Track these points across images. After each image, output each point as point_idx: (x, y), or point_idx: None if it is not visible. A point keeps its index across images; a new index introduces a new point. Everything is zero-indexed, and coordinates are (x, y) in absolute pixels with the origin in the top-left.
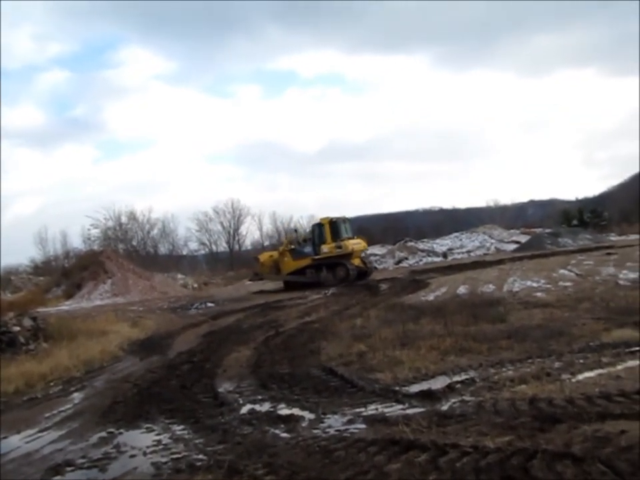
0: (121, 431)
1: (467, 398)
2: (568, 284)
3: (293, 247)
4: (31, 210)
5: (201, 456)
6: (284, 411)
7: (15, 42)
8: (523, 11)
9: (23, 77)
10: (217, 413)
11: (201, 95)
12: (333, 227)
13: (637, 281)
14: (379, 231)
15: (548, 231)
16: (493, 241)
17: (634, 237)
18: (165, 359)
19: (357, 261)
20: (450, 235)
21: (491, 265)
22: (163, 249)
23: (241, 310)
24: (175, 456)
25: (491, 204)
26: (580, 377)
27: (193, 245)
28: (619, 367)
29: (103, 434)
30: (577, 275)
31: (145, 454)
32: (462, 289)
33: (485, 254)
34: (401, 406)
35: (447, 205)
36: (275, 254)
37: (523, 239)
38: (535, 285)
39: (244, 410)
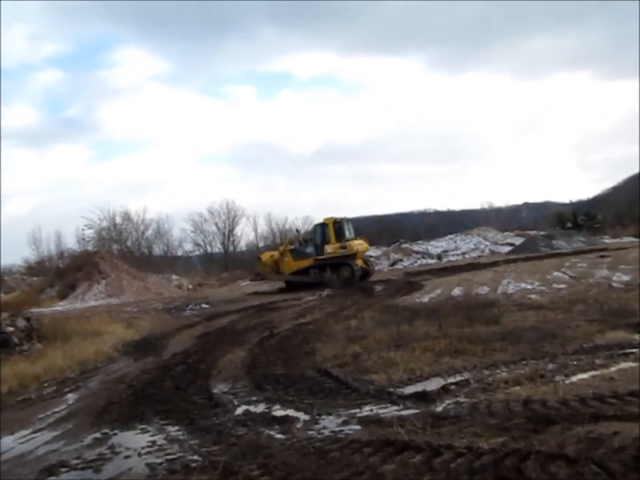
0: (116, 431)
1: (461, 399)
2: (562, 286)
3: (293, 247)
4: (25, 210)
5: (195, 457)
6: (279, 412)
7: (9, 41)
8: (518, 14)
9: (18, 76)
10: (212, 414)
11: (196, 95)
12: (336, 227)
13: (630, 283)
14: (373, 232)
15: (542, 233)
16: (487, 243)
17: (627, 239)
18: (159, 360)
19: (359, 262)
20: (444, 236)
21: (486, 267)
22: (157, 250)
23: (236, 311)
24: (169, 457)
25: (486, 206)
26: (573, 378)
27: (188, 246)
28: (612, 369)
29: (98, 435)
30: (570, 277)
31: (139, 455)
32: (456, 291)
33: (480, 256)
34: (395, 407)
35: (442, 206)
36: (276, 254)
37: (517, 241)
38: (529, 287)
39: (239, 411)
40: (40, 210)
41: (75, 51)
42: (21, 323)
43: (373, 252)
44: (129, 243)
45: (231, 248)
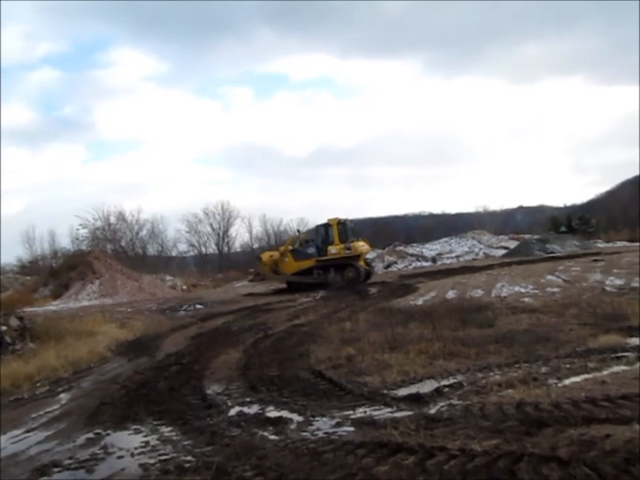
0: (109, 432)
1: (454, 402)
2: (555, 290)
3: (292, 247)
4: (18, 209)
5: (189, 457)
6: (272, 413)
7: (4, 40)
8: (513, 19)
9: (13, 75)
10: (206, 415)
11: (191, 96)
12: (340, 228)
13: (623, 287)
14: (368, 234)
15: (536, 237)
16: (481, 246)
17: (621, 244)
18: (153, 361)
19: (362, 263)
20: (439, 239)
21: (480, 270)
22: (151, 250)
23: (230, 312)
24: (162, 457)
25: (481, 209)
26: (566, 381)
27: (182, 247)
28: (605, 372)
29: (90, 435)
30: (564, 281)
31: (132, 455)
32: (451, 294)
33: (474, 259)
34: (389, 409)
35: (437, 209)
36: (275, 254)
37: (512, 244)
38: (522, 290)
39: (232, 412)
40: (34, 209)
41: (70, 51)
42: (14, 322)
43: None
44: (123, 243)
45: (226, 249)
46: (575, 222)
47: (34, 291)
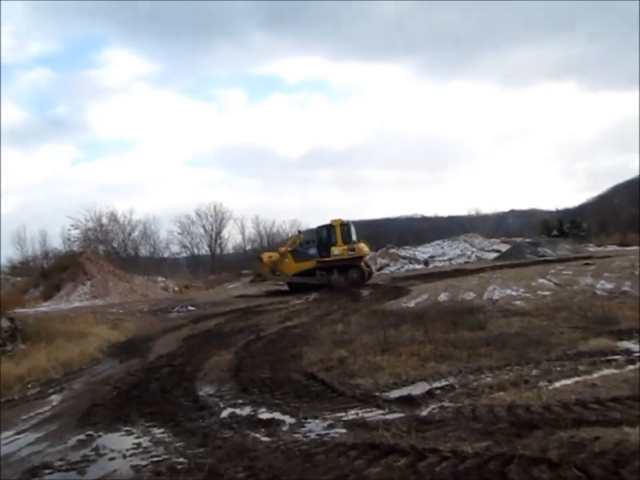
0: (100, 433)
1: (446, 404)
2: (547, 293)
3: (292, 248)
4: (9, 209)
5: (181, 459)
6: (265, 415)
7: None
8: (506, 24)
9: (4, 74)
10: (198, 417)
11: (184, 97)
12: (344, 230)
13: (613, 291)
14: (361, 237)
15: (528, 240)
16: (473, 249)
17: (611, 247)
18: (145, 362)
19: (363, 265)
20: (432, 242)
21: (472, 273)
22: (143, 251)
23: (222, 314)
24: (154, 459)
25: (473, 213)
26: (557, 384)
27: (175, 248)
28: (595, 375)
29: (82, 436)
30: (555, 284)
31: (124, 457)
32: (443, 296)
33: (466, 262)
34: (381, 411)
35: (429, 212)
36: (274, 255)
37: (504, 247)
38: (514, 293)
39: (224, 414)
40: (25, 209)
41: (62, 50)
42: (5, 323)
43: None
44: (115, 244)
45: (218, 250)
46: (567, 226)
47: (25, 291)
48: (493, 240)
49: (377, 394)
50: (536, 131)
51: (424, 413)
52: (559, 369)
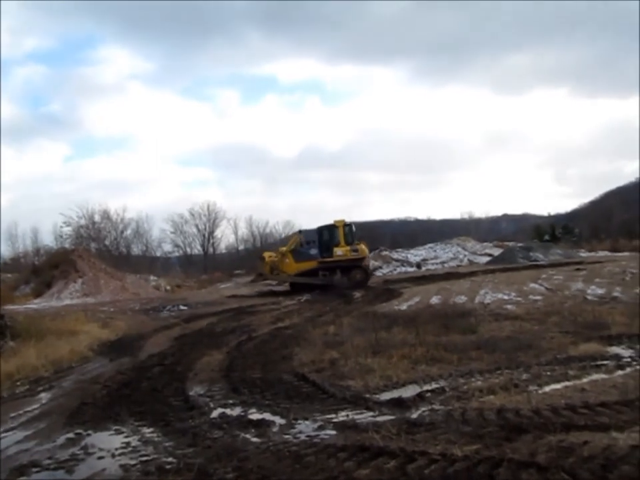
0: (89, 432)
1: (436, 407)
2: (538, 297)
3: (292, 248)
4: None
5: (170, 459)
6: (255, 415)
7: None
8: (501, 30)
9: None
10: (188, 416)
11: (178, 96)
12: (346, 230)
13: (604, 296)
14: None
15: (520, 245)
16: (466, 252)
17: (602, 253)
18: (135, 361)
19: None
20: (424, 245)
21: (464, 276)
22: (136, 250)
23: (214, 314)
24: (143, 458)
25: (466, 216)
26: (546, 388)
27: (167, 247)
28: (585, 380)
29: (71, 435)
30: (546, 289)
31: (113, 456)
32: (434, 300)
33: (458, 265)
34: (371, 413)
35: (423, 215)
36: (274, 255)
37: (496, 252)
38: (505, 297)
39: (214, 414)
40: (16, 205)
41: (57, 47)
42: None
43: None
44: (107, 242)
45: (211, 250)
46: (559, 231)
47: (15, 288)
48: (485, 244)
49: (368, 396)
50: (529, 136)
51: (414, 416)
52: (548, 373)
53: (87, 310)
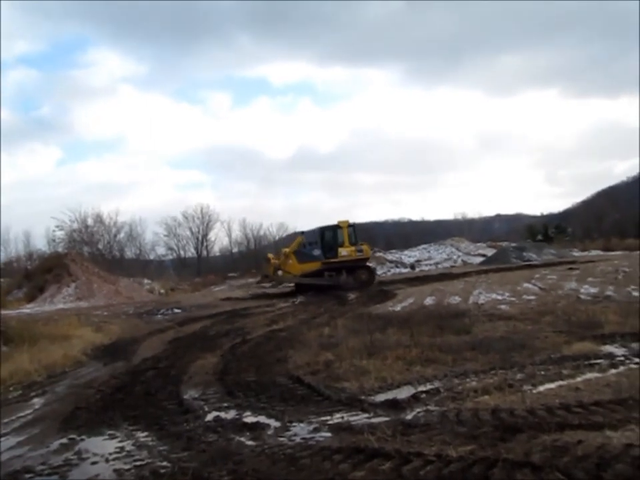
0: (83, 437)
1: (431, 408)
2: (531, 297)
3: (295, 249)
4: None
5: (164, 463)
6: (250, 418)
7: None
8: (492, 32)
9: None
10: (182, 420)
11: (170, 99)
12: (350, 231)
13: (597, 295)
14: None
15: (513, 245)
16: (460, 253)
17: (595, 252)
18: (129, 365)
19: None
20: (418, 246)
21: (458, 277)
22: (129, 253)
23: (208, 317)
24: (138, 463)
25: (459, 217)
26: (541, 388)
27: (161, 250)
28: (578, 379)
29: (64, 440)
30: (540, 288)
31: (107, 461)
32: (429, 300)
33: (452, 266)
34: (366, 415)
35: (416, 216)
36: (276, 256)
37: (489, 252)
38: (499, 297)
39: (209, 417)
40: (8, 209)
41: (48, 51)
42: None
43: None
44: (100, 246)
45: (205, 253)
46: (552, 230)
47: (7, 293)
48: (479, 244)
49: (363, 398)
50: (521, 136)
51: (409, 417)
52: (543, 372)
53: (81, 314)
